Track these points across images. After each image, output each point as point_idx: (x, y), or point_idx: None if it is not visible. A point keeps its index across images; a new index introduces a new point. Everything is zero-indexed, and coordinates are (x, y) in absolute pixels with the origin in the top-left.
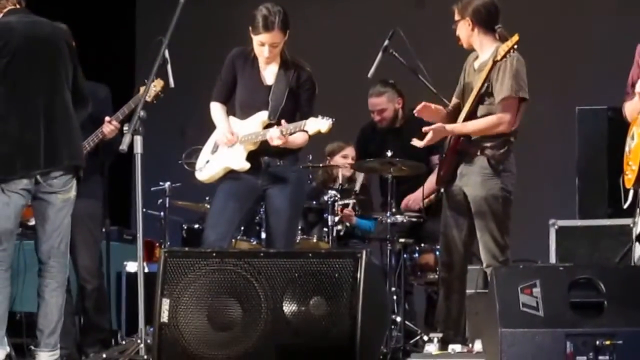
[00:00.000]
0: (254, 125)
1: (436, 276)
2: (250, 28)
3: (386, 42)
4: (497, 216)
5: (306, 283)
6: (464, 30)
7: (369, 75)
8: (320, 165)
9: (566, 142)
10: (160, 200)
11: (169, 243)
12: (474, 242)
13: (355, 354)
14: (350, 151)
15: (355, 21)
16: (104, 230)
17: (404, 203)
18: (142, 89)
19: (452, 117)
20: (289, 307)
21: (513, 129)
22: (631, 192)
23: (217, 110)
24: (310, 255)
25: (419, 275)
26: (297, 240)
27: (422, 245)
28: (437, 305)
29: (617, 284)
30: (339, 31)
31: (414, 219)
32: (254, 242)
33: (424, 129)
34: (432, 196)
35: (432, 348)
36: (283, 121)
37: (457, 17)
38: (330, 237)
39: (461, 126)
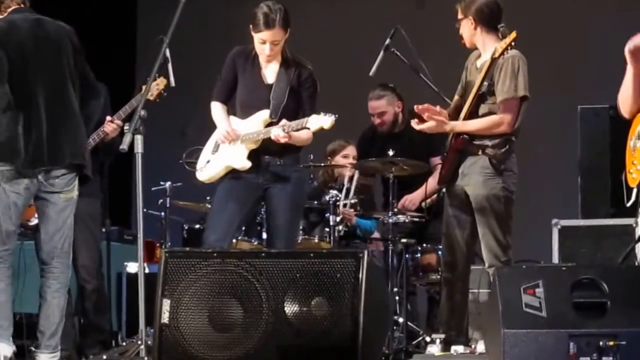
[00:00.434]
0: (256, 124)
1: (438, 277)
2: (251, 26)
3: (388, 41)
4: (499, 216)
5: (308, 283)
6: (467, 29)
7: (371, 73)
8: (322, 164)
9: (568, 141)
10: (160, 200)
11: (169, 243)
12: (476, 242)
13: (357, 355)
14: (351, 150)
15: (356, 20)
16: (104, 230)
17: (401, 204)
18: (143, 87)
19: (454, 115)
20: (290, 308)
21: (514, 128)
22: (634, 191)
23: (217, 110)
24: (311, 255)
25: (421, 275)
26: (299, 240)
27: (424, 245)
28: (439, 306)
29: (621, 284)
30: (340, 30)
31: (415, 219)
32: (255, 242)
33: (426, 115)
34: (434, 196)
35: (434, 349)
36: (284, 120)
37: (460, 16)
38: (331, 237)
39: (462, 124)
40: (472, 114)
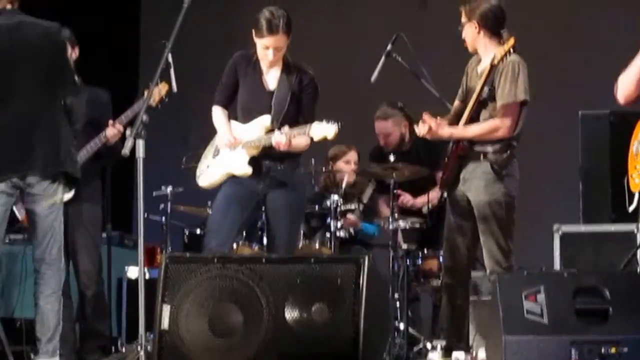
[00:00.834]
0: (256, 129)
1: (440, 282)
2: (253, 31)
3: (389, 47)
4: (501, 221)
5: (308, 289)
6: (470, 33)
7: (372, 79)
8: (323, 169)
9: (569, 146)
10: (162, 205)
11: (170, 248)
12: (477, 248)
13: None
14: (353, 156)
15: (357, 25)
16: (104, 235)
17: (400, 200)
18: (146, 92)
19: (454, 121)
20: (290, 314)
21: (515, 133)
22: (636, 196)
23: (218, 114)
24: (312, 260)
25: (422, 281)
26: (299, 246)
27: (426, 251)
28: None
29: (623, 291)
30: (342, 34)
31: (417, 225)
32: (256, 248)
33: (424, 115)
34: (435, 201)
35: (435, 356)
36: (286, 127)
37: (463, 19)
38: (332, 243)
39: (461, 130)
40: (473, 120)
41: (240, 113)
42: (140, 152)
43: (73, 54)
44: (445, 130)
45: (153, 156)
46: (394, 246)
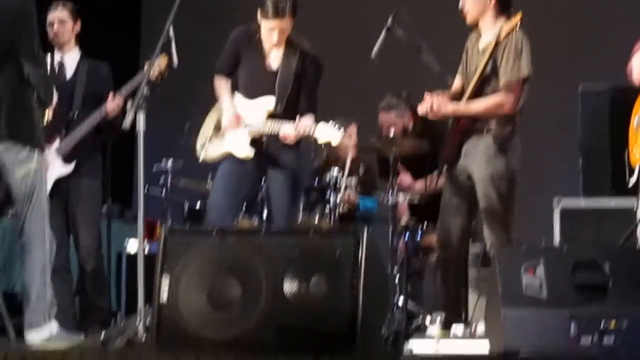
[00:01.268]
0: (259, 111)
1: None
2: (259, 11)
3: (389, 23)
4: (502, 196)
5: (306, 261)
6: (479, 3)
7: (372, 55)
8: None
9: (569, 121)
10: (162, 179)
11: (170, 222)
12: (472, 223)
13: (356, 335)
14: (353, 129)
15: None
16: (105, 209)
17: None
18: (146, 65)
19: (455, 98)
20: (289, 287)
21: (517, 108)
22: (637, 170)
23: (221, 85)
24: (311, 233)
25: (421, 256)
26: (299, 220)
27: (425, 226)
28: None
29: (622, 265)
30: (343, 9)
31: (415, 201)
32: (256, 221)
33: (426, 95)
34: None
35: (433, 330)
36: (297, 120)
37: None
38: (332, 217)
39: (465, 106)
40: (476, 96)
41: (242, 90)
42: (141, 126)
43: (75, 27)
44: (449, 107)
45: (154, 130)
46: (394, 221)
